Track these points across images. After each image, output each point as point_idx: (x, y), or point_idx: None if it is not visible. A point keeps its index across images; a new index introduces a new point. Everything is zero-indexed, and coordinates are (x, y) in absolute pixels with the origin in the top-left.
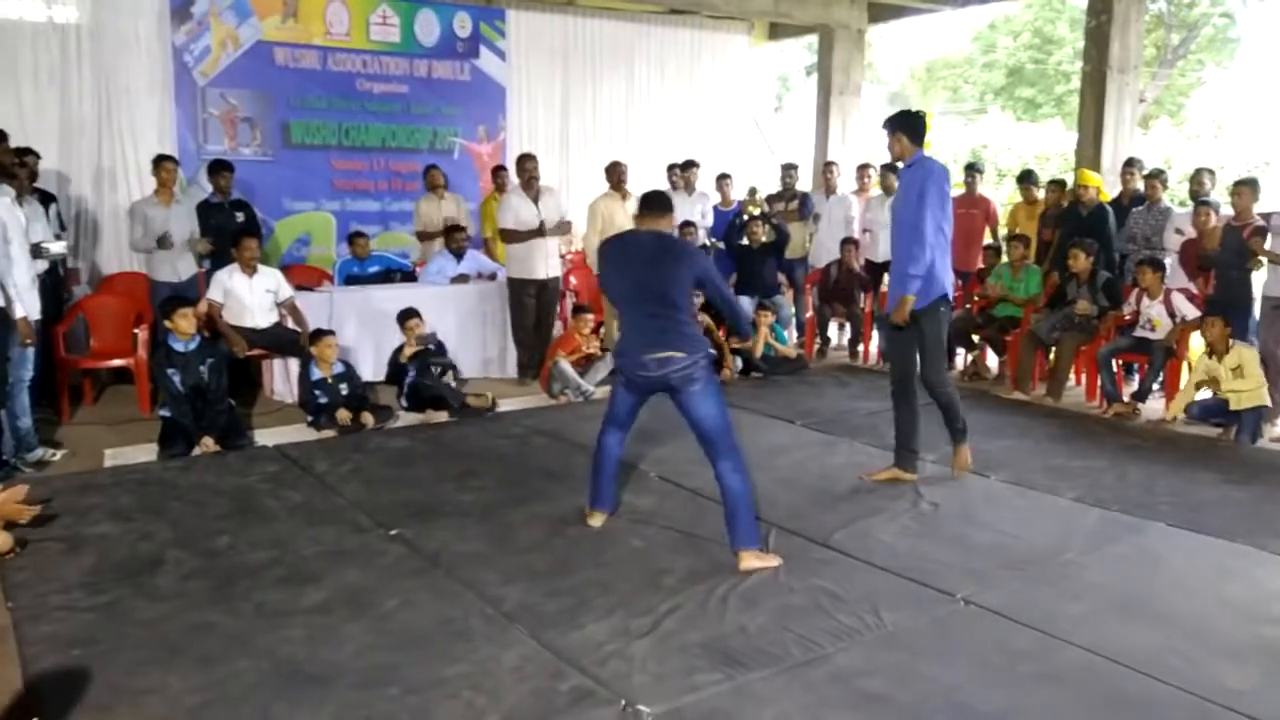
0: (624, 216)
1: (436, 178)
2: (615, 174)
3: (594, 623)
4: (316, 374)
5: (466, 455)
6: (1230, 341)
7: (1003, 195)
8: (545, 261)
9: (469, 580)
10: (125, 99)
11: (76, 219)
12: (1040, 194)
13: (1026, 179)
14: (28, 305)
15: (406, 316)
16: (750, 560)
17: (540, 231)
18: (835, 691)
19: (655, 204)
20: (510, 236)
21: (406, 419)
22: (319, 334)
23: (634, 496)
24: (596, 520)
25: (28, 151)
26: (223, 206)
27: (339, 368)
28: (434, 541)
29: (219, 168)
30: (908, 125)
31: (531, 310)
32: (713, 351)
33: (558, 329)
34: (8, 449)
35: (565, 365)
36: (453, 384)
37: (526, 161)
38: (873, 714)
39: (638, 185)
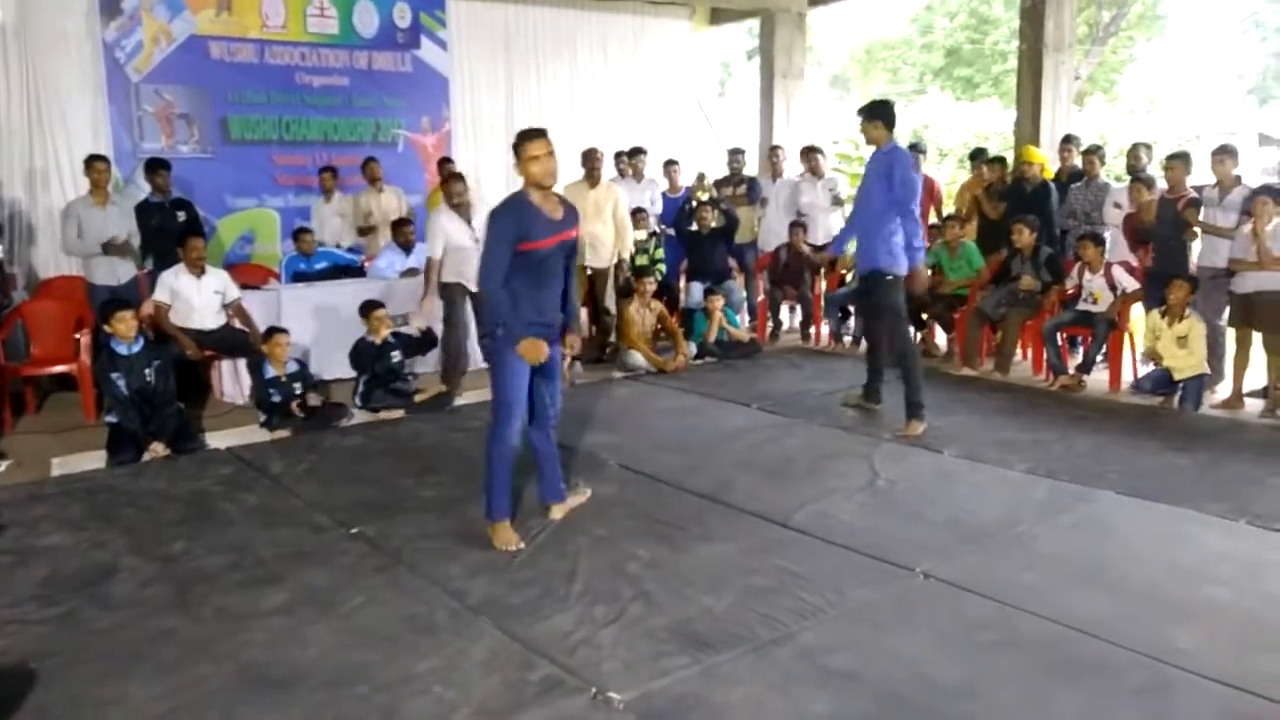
0: (591, 206)
1: (375, 170)
2: (590, 161)
3: (560, 612)
4: (270, 372)
5: (423, 451)
6: (1187, 309)
7: (944, 174)
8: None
9: (433, 575)
10: (56, 98)
11: (10, 222)
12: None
13: (977, 157)
14: None
15: (371, 307)
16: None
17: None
18: (802, 669)
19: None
20: (431, 273)
21: (361, 417)
22: (271, 332)
23: (595, 485)
24: (558, 511)
25: None
26: (163, 206)
27: (293, 366)
28: (395, 538)
29: (156, 166)
30: (885, 114)
31: (464, 316)
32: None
33: None
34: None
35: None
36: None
37: (455, 184)
38: (840, 690)
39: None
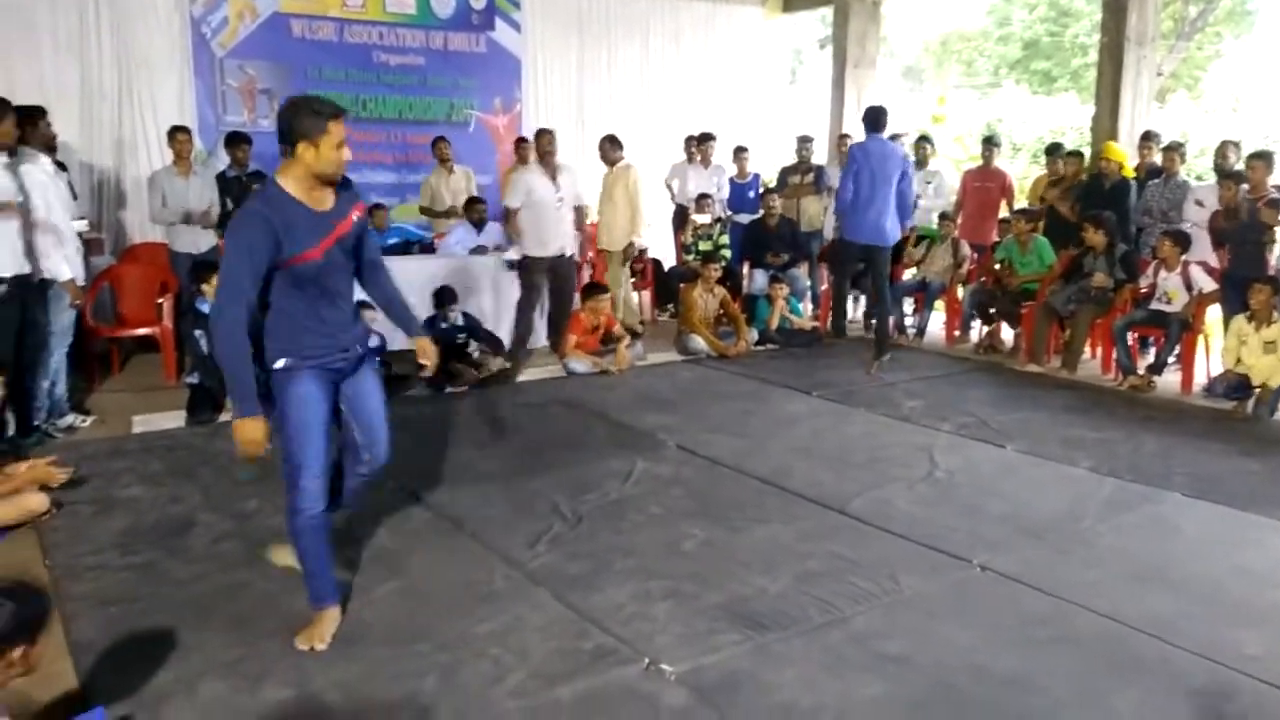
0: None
1: (444, 150)
2: (602, 147)
3: (615, 585)
4: None
5: (486, 424)
6: (1274, 313)
7: (1018, 169)
8: (557, 239)
9: (493, 543)
10: (144, 69)
11: (99, 188)
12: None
13: (1054, 152)
14: (74, 269)
15: (444, 300)
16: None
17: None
18: (854, 652)
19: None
20: (511, 222)
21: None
22: (361, 306)
23: (652, 465)
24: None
25: (38, 112)
26: (240, 179)
27: (374, 340)
28: (457, 506)
29: (237, 140)
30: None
31: (541, 288)
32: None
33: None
34: (40, 414)
35: (575, 364)
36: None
37: (542, 137)
38: (892, 675)
39: (656, 159)
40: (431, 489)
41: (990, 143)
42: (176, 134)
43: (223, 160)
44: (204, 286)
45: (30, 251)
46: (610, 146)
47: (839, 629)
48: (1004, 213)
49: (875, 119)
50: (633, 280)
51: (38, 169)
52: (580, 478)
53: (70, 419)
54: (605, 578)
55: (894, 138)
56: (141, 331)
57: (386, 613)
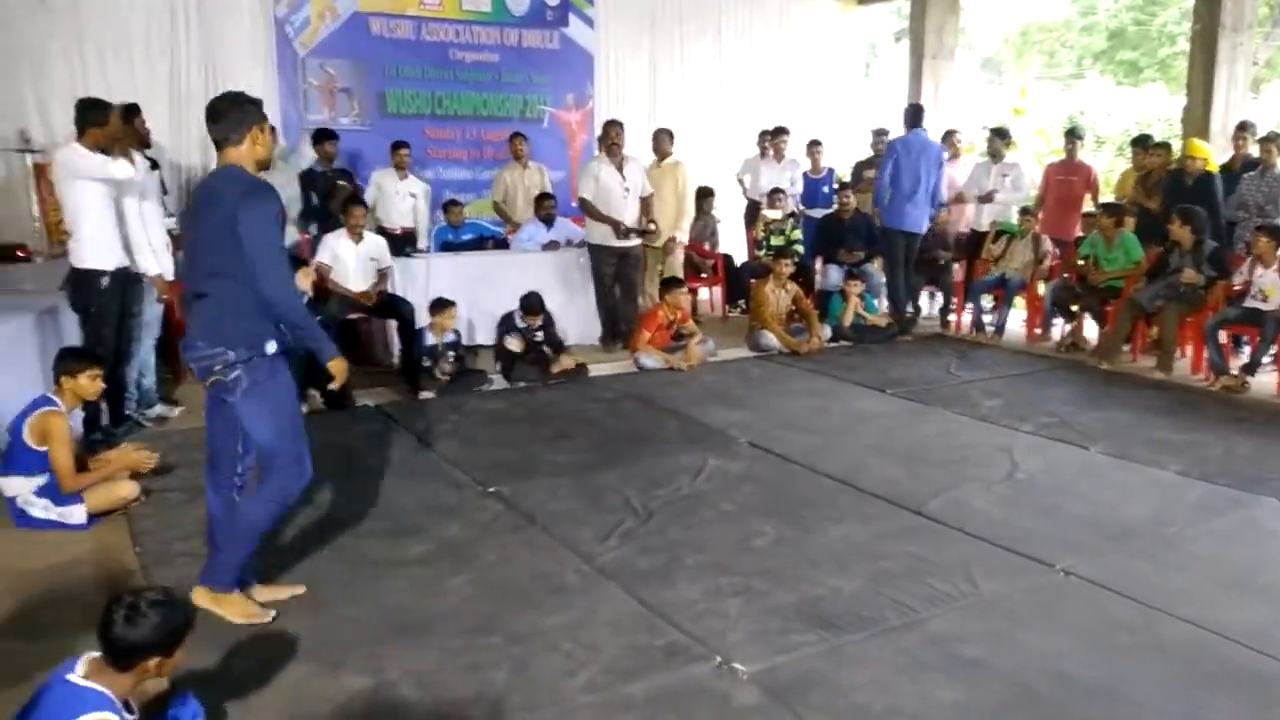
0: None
1: (520, 147)
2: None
3: (687, 582)
4: (429, 340)
5: (558, 418)
6: None
7: (1102, 162)
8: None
9: (564, 537)
10: (230, 68)
11: (186, 185)
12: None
13: (1141, 143)
14: (164, 265)
15: (531, 310)
16: (202, 598)
17: (615, 224)
18: (931, 655)
19: (212, 115)
20: (588, 208)
21: (500, 382)
22: (443, 304)
23: (724, 462)
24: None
25: (134, 110)
26: (326, 175)
27: (450, 336)
28: (529, 499)
29: (324, 136)
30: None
31: (611, 278)
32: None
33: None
34: (130, 404)
35: (646, 359)
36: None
37: (610, 128)
38: (970, 680)
39: (728, 154)
40: (503, 482)
41: (1073, 135)
42: None
43: (304, 157)
44: (299, 279)
45: (127, 246)
46: (667, 140)
47: (915, 631)
48: (1088, 207)
49: (915, 115)
50: (703, 276)
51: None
52: (651, 473)
53: (159, 409)
54: (676, 573)
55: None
56: None
57: (458, 604)
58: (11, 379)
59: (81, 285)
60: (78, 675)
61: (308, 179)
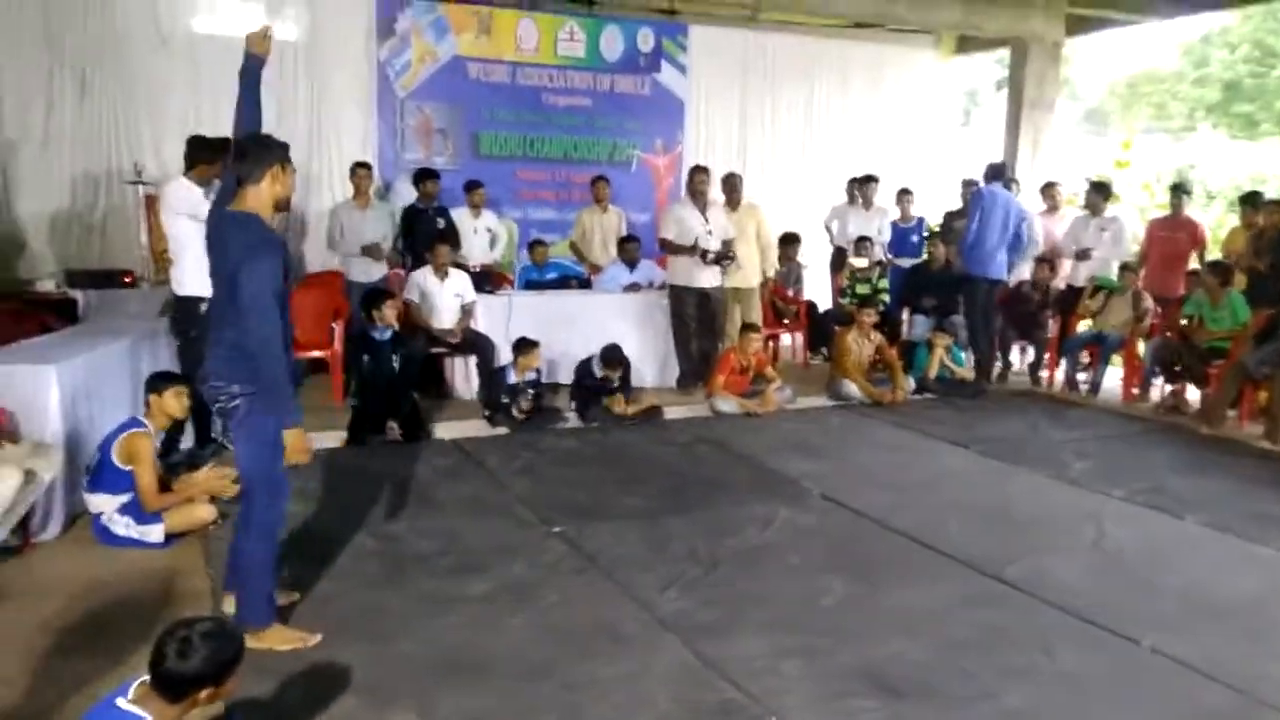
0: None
1: (602, 190)
2: (729, 185)
3: (747, 637)
4: (512, 378)
5: (631, 460)
6: None
7: (1211, 218)
8: (708, 271)
9: (626, 583)
10: (333, 110)
11: (286, 220)
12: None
13: (1249, 201)
14: None
15: (611, 364)
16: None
17: (694, 250)
18: None
19: (238, 154)
20: (669, 247)
21: (574, 421)
22: (527, 344)
23: (795, 513)
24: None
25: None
26: (426, 212)
27: (531, 375)
28: (594, 542)
29: (426, 175)
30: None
31: (692, 320)
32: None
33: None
34: (217, 427)
35: (722, 403)
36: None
37: (696, 174)
38: None
39: (817, 201)
40: (569, 523)
41: (1179, 190)
42: (358, 169)
43: (400, 195)
44: (374, 313)
45: None
46: (738, 184)
47: (985, 704)
48: (1194, 264)
49: (1000, 171)
50: (785, 322)
51: None
52: (720, 521)
53: None
54: (737, 628)
55: (1007, 185)
56: (313, 354)
57: (515, 645)
58: (106, 400)
59: (181, 311)
60: (128, 700)
61: (410, 215)
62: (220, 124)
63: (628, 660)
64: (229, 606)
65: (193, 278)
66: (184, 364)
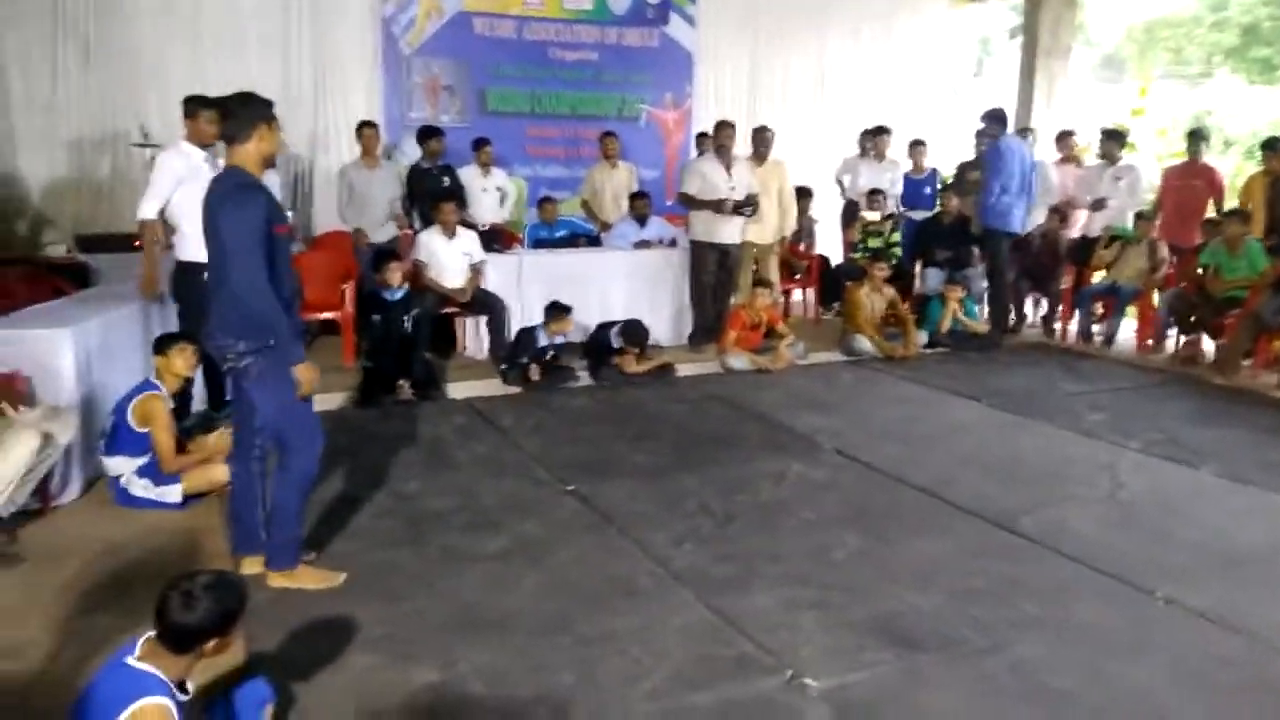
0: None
1: (610, 146)
2: (759, 140)
3: (761, 591)
4: (543, 340)
5: (642, 417)
6: None
7: (1229, 165)
8: (730, 227)
9: (639, 539)
10: (337, 67)
11: (296, 180)
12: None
13: (1270, 146)
14: None
15: (637, 339)
16: (276, 579)
17: (718, 206)
18: (1015, 683)
19: (222, 114)
20: (690, 202)
21: (586, 379)
22: (562, 309)
23: (807, 468)
24: (250, 566)
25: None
26: (432, 171)
27: (560, 339)
28: (607, 499)
29: (431, 134)
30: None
31: (712, 276)
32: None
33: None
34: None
35: (734, 360)
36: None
37: (722, 129)
38: (1056, 711)
39: (829, 153)
40: (582, 481)
41: (1197, 137)
42: (364, 129)
43: (406, 154)
44: (390, 275)
45: None
46: (770, 139)
47: (999, 655)
48: (1211, 213)
49: (999, 116)
50: (796, 277)
51: None
52: (732, 477)
53: None
54: (751, 582)
55: (1023, 133)
56: (325, 316)
57: (531, 602)
58: (119, 364)
59: (182, 277)
60: (135, 658)
61: (416, 175)
62: (225, 84)
63: (643, 615)
64: (248, 568)
65: (192, 243)
66: (185, 328)
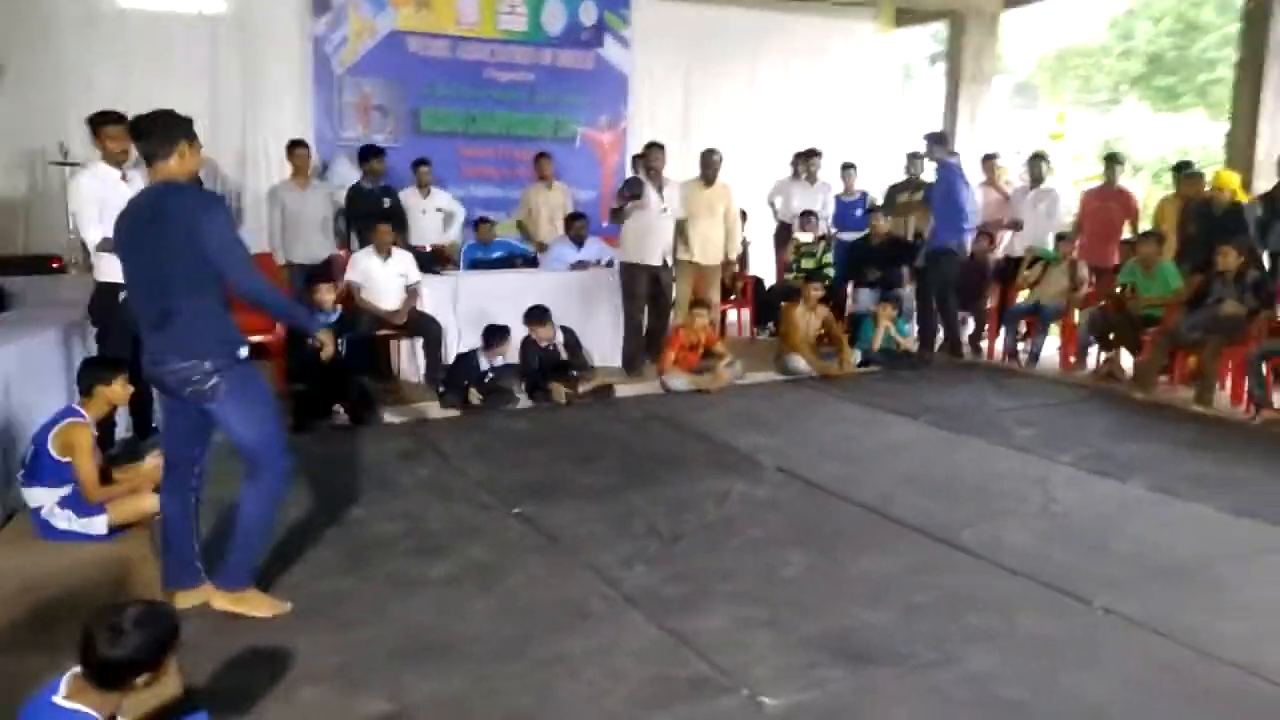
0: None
1: (545, 167)
2: (707, 162)
3: (713, 610)
4: (483, 364)
5: (585, 439)
6: None
7: (1138, 189)
8: (660, 249)
9: (589, 561)
10: (268, 87)
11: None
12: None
13: (1182, 170)
14: None
15: (536, 319)
16: (223, 602)
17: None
18: (968, 694)
19: (136, 133)
20: (617, 215)
21: (526, 402)
22: (499, 332)
23: (751, 487)
24: (185, 600)
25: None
26: (373, 192)
27: (500, 361)
28: (554, 521)
29: (372, 153)
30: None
31: (643, 298)
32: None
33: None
34: (157, 417)
35: (673, 380)
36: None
37: (651, 150)
38: None
39: (760, 176)
40: (529, 503)
41: (1113, 161)
42: (295, 148)
43: (338, 174)
44: (321, 296)
45: None
46: (714, 163)
47: (950, 668)
48: (1128, 234)
49: (943, 139)
50: (732, 298)
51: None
52: (678, 497)
53: None
54: (703, 602)
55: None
56: (255, 339)
57: (482, 628)
58: (36, 390)
59: (101, 299)
60: (60, 696)
61: (356, 195)
62: (151, 101)
63: (596, 637)
64: (182, 603)
65: (110, 263)
66: (104, 352)
